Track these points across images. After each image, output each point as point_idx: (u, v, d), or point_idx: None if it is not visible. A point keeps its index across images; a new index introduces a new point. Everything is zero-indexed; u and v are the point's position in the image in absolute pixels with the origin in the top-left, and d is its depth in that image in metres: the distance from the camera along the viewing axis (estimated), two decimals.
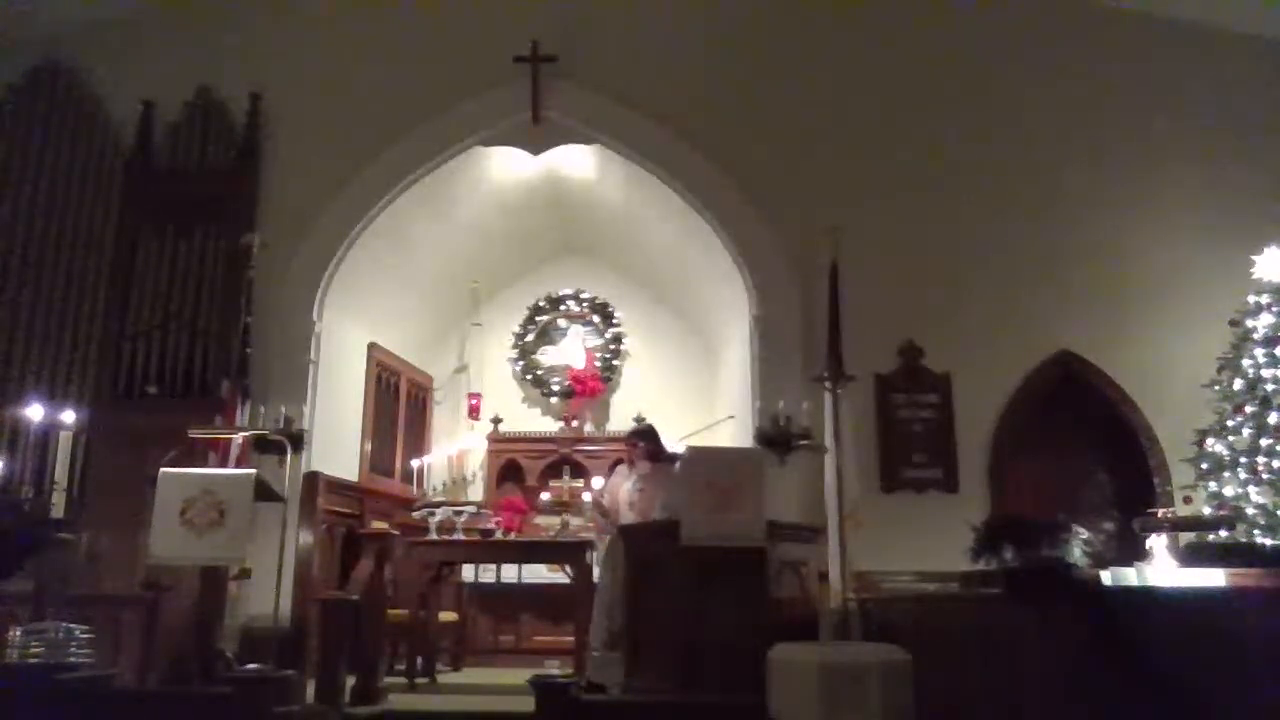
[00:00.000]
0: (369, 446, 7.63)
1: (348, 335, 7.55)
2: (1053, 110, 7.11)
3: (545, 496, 7.92)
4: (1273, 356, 5.80)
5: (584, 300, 9.25)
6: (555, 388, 9.05)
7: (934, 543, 5.70)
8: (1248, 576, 4.38)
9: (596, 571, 5.82)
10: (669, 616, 4.75)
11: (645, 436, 5.89)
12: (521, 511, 8.06)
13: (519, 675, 4.86)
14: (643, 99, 7.25)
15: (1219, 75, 7.01)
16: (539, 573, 7.30)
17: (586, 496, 6.82)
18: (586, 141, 7.43)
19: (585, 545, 6.12)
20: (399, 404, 8.23)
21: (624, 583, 5.08)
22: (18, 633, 4.21)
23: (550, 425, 8.94)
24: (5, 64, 7.60)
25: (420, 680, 5.94)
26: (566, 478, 8.32)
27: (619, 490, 5.93)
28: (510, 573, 7.41)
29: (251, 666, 4.95)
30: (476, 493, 8.63)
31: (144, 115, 7.37)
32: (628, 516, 5.57)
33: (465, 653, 7.12)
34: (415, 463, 7.55)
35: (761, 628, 4.42)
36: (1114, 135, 7.02)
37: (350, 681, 5.19)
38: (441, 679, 6.28)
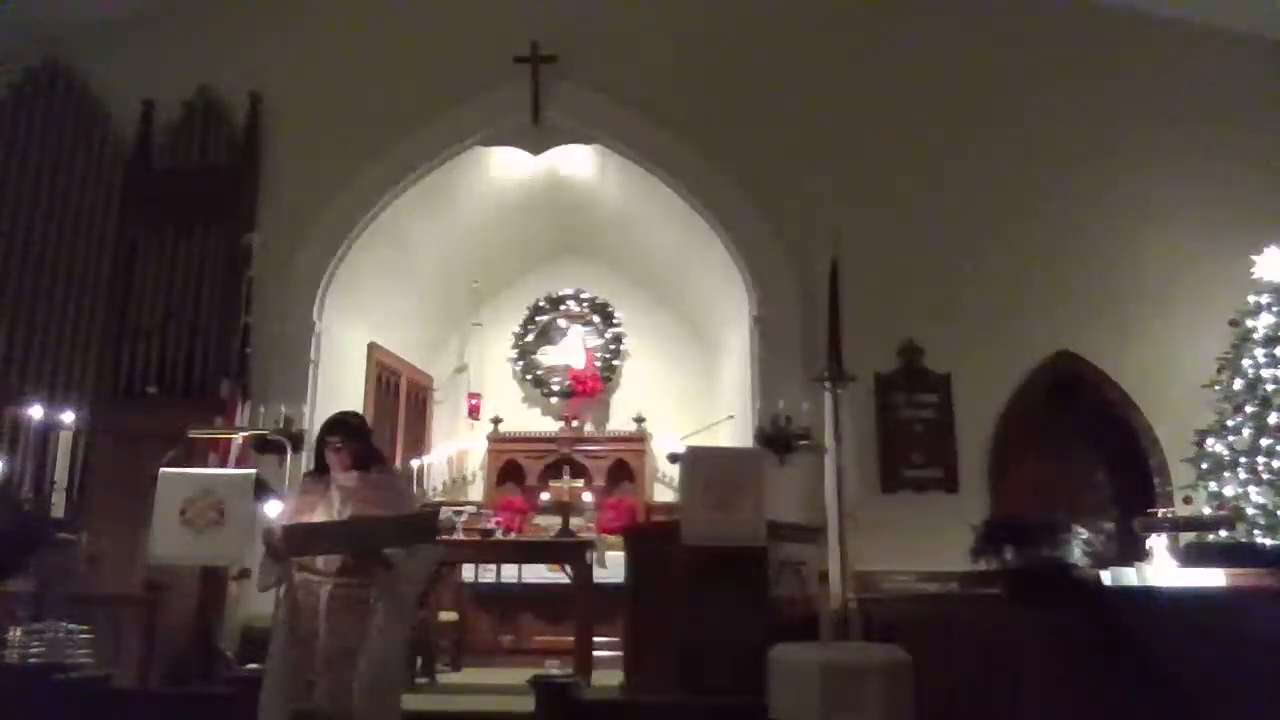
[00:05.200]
0: None
1: (348, 335, 7.54)
2: (1053, 110, 7.09)
3: (545, 496, 7.91)
4: (1273, 356, 5.80)
5: (584, 300, 9.26)
6: (555, 387, 9.06)
7: (934, 543, 5.72)
8: (1248, 576, 4.39)
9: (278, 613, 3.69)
10: (669, 616, 4.76)
11: (354, 433, 3.84)
12: (521, 511, 8.07)
13: (519, 675, 4.87)
14: (643, 99, 7.25)
15: (1218, 75, 7.01)
16: (539, 573, 7.28)
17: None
18: (586, 141, 7.44)
19: (585, 545, 6.11)
20: (399, 404, 8.23)
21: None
22: (18, 633, 4.22)
23: (550, 425, 8.94)
24: (5, 64, 7.60)
25: (420, 680, 5.92)
26: (566, 478, 8.30)
27: (312, 513, 3.73)
28: (510, 573, 7.39)
29: (251, 666, 4.95)
30: (476, 493, 8.64)
31: (144, 115, 7.36)
32: None
33: (465, 653, 7.11)
34: (415, 463, 7.55)
35: (761, 628, 4.42)
36: (1114, 135, 7.01)
37: None
38: (441, 679, 6.27)
